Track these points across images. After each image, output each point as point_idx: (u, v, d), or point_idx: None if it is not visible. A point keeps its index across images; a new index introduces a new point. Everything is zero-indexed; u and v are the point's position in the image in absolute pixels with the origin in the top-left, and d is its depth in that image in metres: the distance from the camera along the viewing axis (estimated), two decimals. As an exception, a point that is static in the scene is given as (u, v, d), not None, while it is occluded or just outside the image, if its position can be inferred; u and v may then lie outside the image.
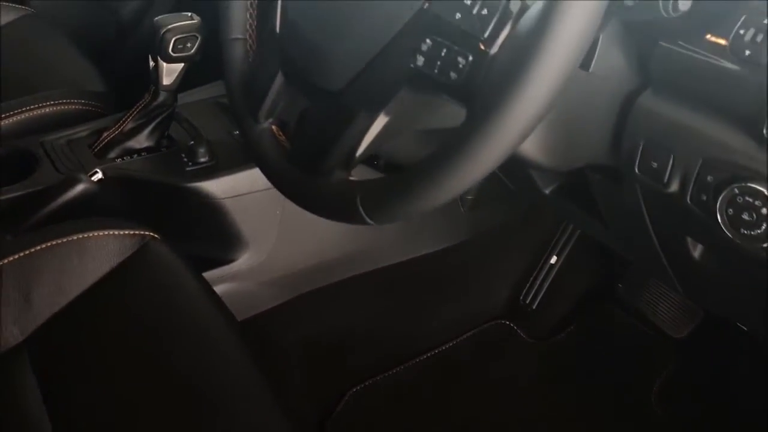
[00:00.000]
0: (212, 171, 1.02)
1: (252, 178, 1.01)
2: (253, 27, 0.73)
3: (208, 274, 1.00)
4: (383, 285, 1.27)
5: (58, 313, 0.82)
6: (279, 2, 0.66)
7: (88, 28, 1.65)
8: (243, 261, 1.08)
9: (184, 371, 0.76)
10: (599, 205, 0.80)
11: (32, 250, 0.85)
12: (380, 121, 0.59)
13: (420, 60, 0.55)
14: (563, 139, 0.67)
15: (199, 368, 0.76)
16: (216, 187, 1.01)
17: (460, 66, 0.52)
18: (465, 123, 0.53)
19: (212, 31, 1.00)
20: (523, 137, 0.51)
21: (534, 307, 1.33)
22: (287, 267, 1.13)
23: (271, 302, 1.17)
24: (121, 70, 1.32)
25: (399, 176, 0.56)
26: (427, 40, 0.54)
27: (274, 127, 0.70)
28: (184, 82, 1.04)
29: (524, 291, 1.34)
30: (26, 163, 1.04)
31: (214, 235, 1.07)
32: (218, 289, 0.92)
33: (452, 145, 0.52)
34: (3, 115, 1.10)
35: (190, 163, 1.03)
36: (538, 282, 1.33)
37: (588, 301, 1.32)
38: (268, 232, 1.08)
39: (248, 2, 0.73)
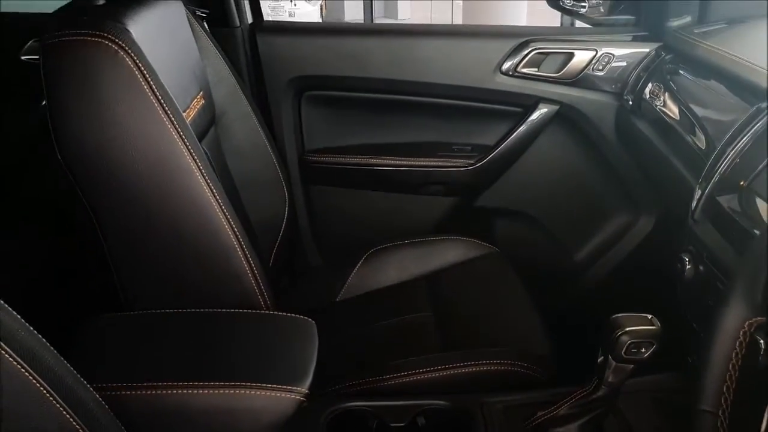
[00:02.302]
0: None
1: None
2: (729, 403, 0.63)
3: None
4: None
5: None
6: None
7: (547, 268, 1.71)
8: None
9: None
10: None
11: None
12: None
13: None
14: None
15: None
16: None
17: None
18: None
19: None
20: None
21: None
22: None
23: None
24: (561, 334, 1.31)
25: None
26: None
27: None
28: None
29: None
30: (462, 420, 1.08)
31: None
32: None
33: None
34: (450, 365, 1.16)
35: (619, 470, 0.95)
36: None
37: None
38: None
39: (728, 373, 0.64)
